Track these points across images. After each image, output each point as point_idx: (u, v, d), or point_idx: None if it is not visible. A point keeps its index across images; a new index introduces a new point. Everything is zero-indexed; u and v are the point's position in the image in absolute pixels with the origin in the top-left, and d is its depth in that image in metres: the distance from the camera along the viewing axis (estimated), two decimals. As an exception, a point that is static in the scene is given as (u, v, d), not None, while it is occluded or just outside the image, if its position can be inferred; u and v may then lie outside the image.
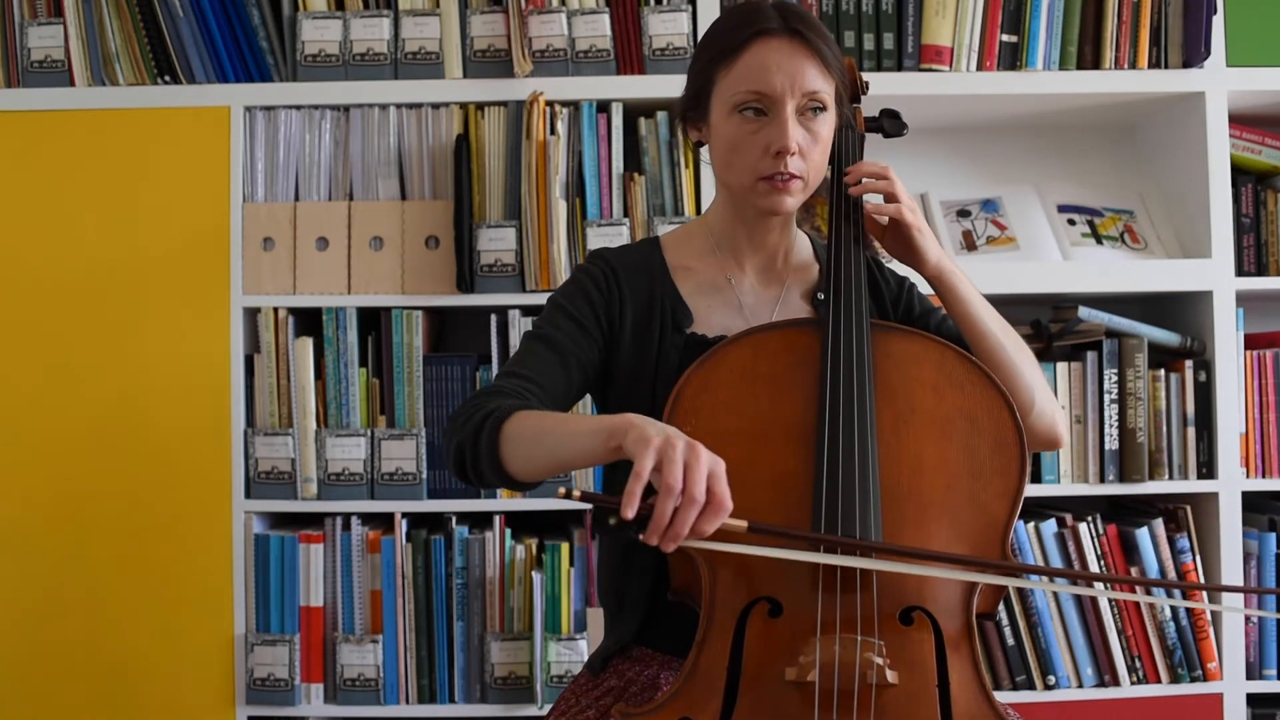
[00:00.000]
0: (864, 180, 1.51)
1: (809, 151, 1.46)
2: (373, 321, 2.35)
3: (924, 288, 1.63)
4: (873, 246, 1.59)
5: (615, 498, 1.16)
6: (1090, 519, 2.31)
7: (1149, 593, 2.15)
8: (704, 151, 1.62)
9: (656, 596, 1.45)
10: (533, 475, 1.35)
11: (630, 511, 1.14)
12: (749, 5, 1.51)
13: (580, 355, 1.49)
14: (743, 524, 1.20)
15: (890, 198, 1.51)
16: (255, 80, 2.34)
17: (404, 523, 2.28)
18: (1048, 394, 1.53)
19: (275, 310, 2.30)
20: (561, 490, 1.18)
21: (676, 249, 1.59)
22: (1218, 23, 2.36)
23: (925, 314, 1.61)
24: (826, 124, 1.48)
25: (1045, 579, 2.11)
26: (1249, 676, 2.33)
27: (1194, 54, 2.35)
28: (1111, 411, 2.35)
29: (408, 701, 2.26)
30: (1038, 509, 2.41)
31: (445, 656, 2.27)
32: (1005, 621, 2.28)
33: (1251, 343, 2.43)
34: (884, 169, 1.52)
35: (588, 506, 1.42)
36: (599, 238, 2.30)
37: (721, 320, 1.53)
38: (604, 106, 2.35)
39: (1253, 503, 2.41)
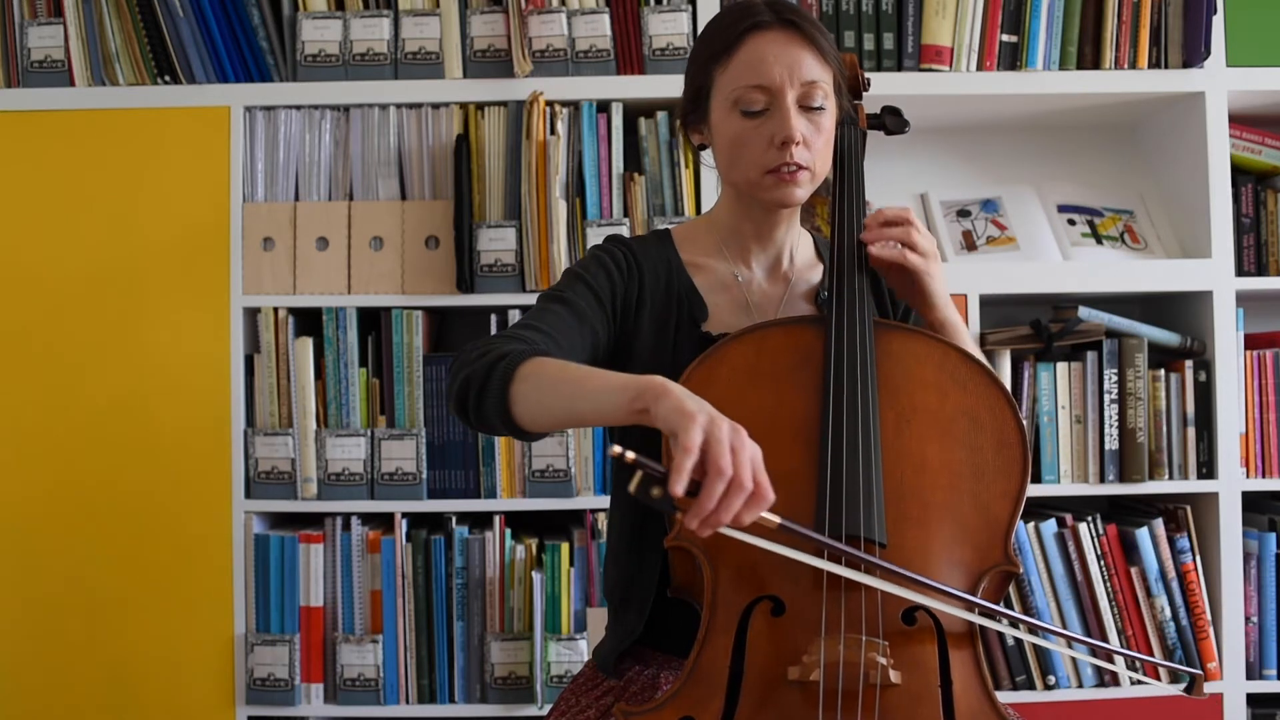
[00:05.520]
0: (881, 229, 1.46)
1: (813, 142, 1.46)
2: (373, 321, 2.35)
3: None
4: None
5: (664, 467, 1.11)
6: (1090, 519, 2.31)
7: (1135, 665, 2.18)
8: (705, 155, 1.62)
9: (664, 592, 1.45)
10: (539, 424, 1.29)
11: (680, 488, 1.09)
12: (741, 4, 1.51)
13: (595, 325, 1.46)
14: (775, 520, 1.17)
15: (906, 245, 1.46)
16: (255, 80, 2.34)
17: (404, 523, 2.28)
18: None
19: (275, 310, 2.30)
20: (616, 449, 1.11)
21: (687, 245, 1.58)
22: (1218, 23, 2.36)
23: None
24: (828, 114, 1.48)
25: (1063, 642, 2.13)
26: (1249, 676, 2.33)
27: (1194, 54, 2.35)
28: (1111, 411, 2.35)
29: (408, 701, 2.26)
30: (1038, 509, 2.41)
31: (445, 656, 2.27)
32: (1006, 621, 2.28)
33: (1251, 343, 2.43)
34: (904, 214, 1.47)
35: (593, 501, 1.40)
36: (599, 238, 2.28)
37: (730, 319, 1.53)
38: (604, 106, 2.35)
39: (1253, 503, 2.41)
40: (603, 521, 2.27)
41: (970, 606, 1.29)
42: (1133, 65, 2.38)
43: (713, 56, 1.49)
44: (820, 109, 1.46)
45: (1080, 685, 2.30)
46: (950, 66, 2.37)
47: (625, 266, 1.53)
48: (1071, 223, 2.53)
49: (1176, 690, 1.43)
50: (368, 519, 2.33)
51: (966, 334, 1.51)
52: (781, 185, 1.46)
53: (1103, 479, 2.34)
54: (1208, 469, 2.36)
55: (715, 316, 1.53)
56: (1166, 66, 2.39)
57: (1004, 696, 2.23)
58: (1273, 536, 2.36)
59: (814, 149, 1.46)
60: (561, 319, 1.43)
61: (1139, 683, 2.28)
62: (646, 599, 1.48)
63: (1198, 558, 2.33)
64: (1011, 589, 2.29)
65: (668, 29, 2.33)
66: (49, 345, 2.29)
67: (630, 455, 1.11)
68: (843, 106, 1.53)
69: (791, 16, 1.47)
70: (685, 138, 1.59)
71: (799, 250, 1.60)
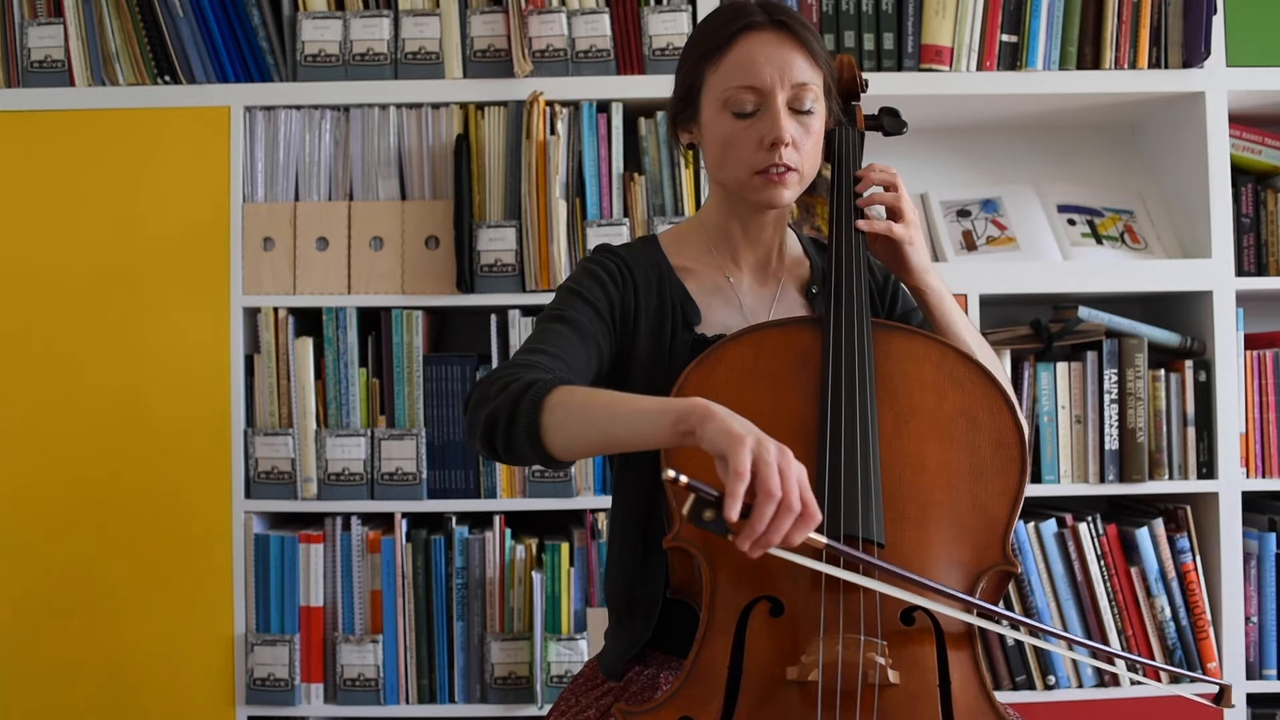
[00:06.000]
0: (871, 191, 1.52)
1: (802, 143, 1.46)
2: (373, 321, 2.35)
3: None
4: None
5: (717, 491, 1.13)
6: (1090, 519, 2.31)
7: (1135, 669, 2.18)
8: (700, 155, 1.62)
9: (664, 593, 1.45)
10: (572, 453, 1.29)
11: (735, 512, 1.11)
12: (733, 4, 1.51)
13: (599, 339, 1.46)
14: (822, 540, 1.18)
15: (894, 212, 1.51)
16: (255, 80, 2.34)
17: (404, 523, 2.28)
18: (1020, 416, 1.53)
19: (275, 310, 2.30)
20: (670, 473, 1.12)
21: (675, 250, 1.59)
22: (1218, 23, 2.36)
23: (907, 314, 1.61)
24: (817, 117, 1.48)
25: (1064, 645, 2.12)
26: (1249, 676, 2.33)
27: (1194, 54, 2.35)
28: (1111, 411, 2.35)
29: (408, 701, 2.26)
30: (1038, 509, 2.41)
31: (445, 656, 2.27)
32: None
33: (1251, 343, 2.43)
34: (893, 178, 1.52)
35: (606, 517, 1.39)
36: (599, 238, 2.30)
37: (723, 320, 1.53)
38: (604, 106, 2.35)
39: (1253, 503, 2.41)
40: (603, 521, 2.27)
41: (969, 608, 1.29)
42: (1133, 65, 2.38)
43: (704, 56, 1.49)
44: (810, 112, 1.47)
45: (1080, 685, 2.30)
46: (950, 66, 2.37)
47: (619, 276, 1.53)
48: (1071, 223, 2.53)
49: (1176, 690, 1.42)
50: (368, 519, 2.33)
51: (949, 298, 1.52)
52: (770, 186, 1.46)
53: (1103, 479, 2.34)
54: (1208, 469, 2.36)
55: (709, 319, 1.53)
56: (1166, 66, 2.39)
57: (1004, 696, 2.23)
58: (1273, 536, 2.36)
59: (803, 151, 1.47)
60: (566, 339, 1.43)
61: (1139, 683, 2.28)
62: (655, 602, 1.47)
63: (1198, 558, 2.33)
64: (1011, 589, 2.29)
65: (668, 29, 2.33)
66: (49, 345, 2.29)
67: (684, 479, 1.12)
68: (832, 110, 1.53)
69: (783, 18, 1.47)
70: (675, 136, 1.59)
71: (786, 247, 1.60)
